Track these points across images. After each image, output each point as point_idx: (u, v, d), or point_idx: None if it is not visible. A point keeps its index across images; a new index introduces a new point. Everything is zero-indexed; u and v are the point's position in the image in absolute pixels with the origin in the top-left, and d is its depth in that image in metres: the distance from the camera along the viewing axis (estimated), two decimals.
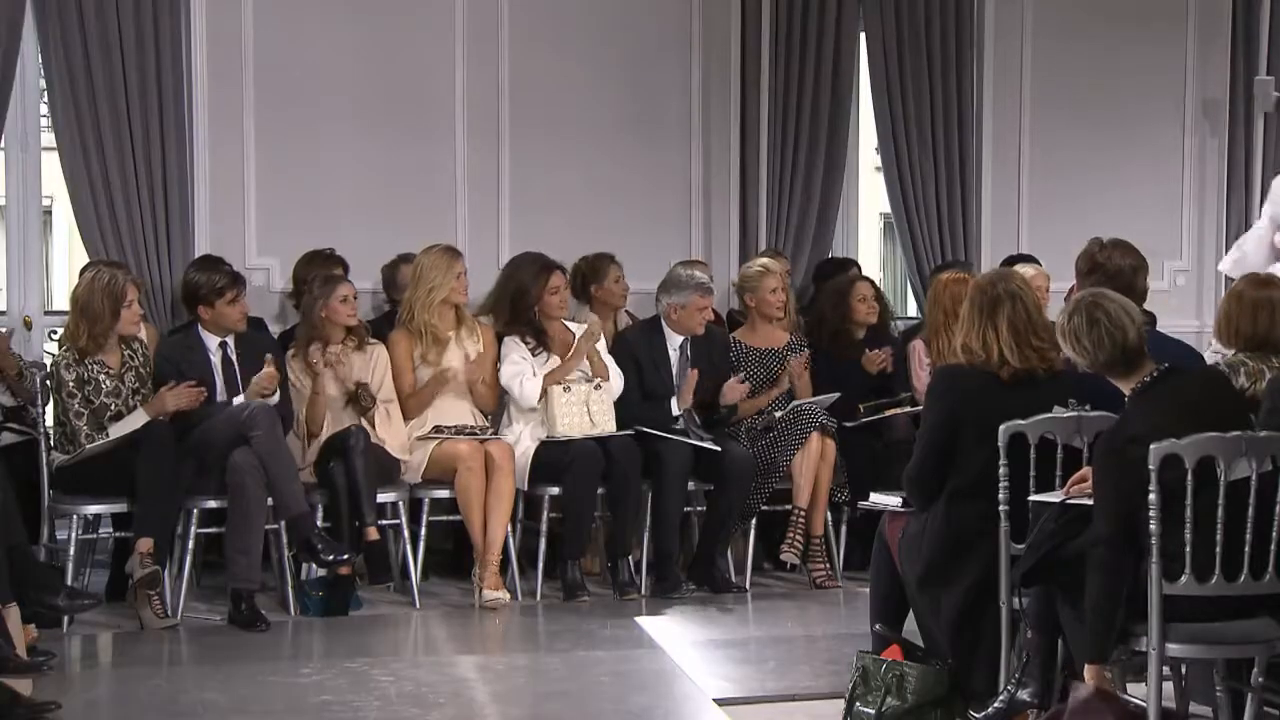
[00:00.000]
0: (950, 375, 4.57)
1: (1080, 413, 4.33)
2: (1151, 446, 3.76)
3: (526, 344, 6.58)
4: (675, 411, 6.57)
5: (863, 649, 4.54)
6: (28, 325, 7.15)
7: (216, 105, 7.22)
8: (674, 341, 6.73)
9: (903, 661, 4.35)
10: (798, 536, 6.53)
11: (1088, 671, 3.88)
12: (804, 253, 7.92)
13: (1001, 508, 4.30)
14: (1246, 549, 3.81)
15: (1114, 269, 4.83)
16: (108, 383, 5.98)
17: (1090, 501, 3.97)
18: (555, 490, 6.36)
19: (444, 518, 6.40)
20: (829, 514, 6.65)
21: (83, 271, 6.53)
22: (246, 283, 6.42)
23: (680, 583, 6.39)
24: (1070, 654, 4.10)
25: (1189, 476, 3.75)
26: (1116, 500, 3.82)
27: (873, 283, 7.38)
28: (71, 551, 5.85)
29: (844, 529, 6.73)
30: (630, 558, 6.49)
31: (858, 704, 4.36)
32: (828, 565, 6.62)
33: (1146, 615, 3.83)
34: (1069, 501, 4.08)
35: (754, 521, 6.63)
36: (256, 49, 7.24)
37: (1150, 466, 3.76)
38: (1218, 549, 3.79)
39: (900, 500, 4.66)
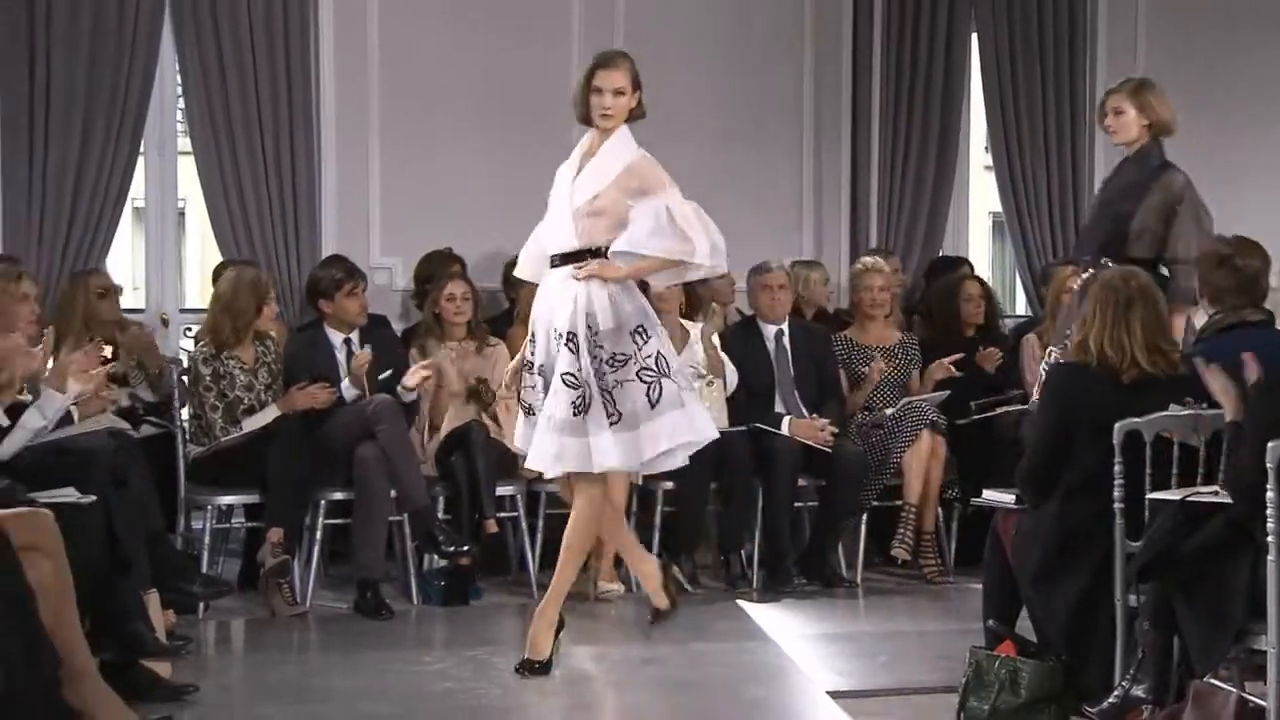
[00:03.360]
0: (1067, 374, 4.50)
1: (1197, 410, 4.25)
2: (1269, 444, 3.68)
3: None
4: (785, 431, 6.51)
5: (976, 644, 4.49)
6: (164, 322, 7.33)
7: (343, 112, 7.36)
8: (768, 333, 6.72)
9: (1016, 657, 4.30)
10: (908, 532, 6.49)
11: None
12: (914, 251, 7.86)
13: (1116, 505, 4.23)
14: None
15: (1244, 264, 4.73)
16: (242, 377, 6.11)
17: (1210, 499, 3.89)
18: (669, 485, 6.37)
19: (561, 511, 6.42)
20: (940, 510, 6.60)
21: (219, 269, 6.70)
22: (366, 278, 6.51)
23: (792, 577, 6.37)
24: (1187, 651, 4.02)
25: None
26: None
27: (981, 281, 7.31)
28: (206, 541, 5.99)
29: (954, 525, 6.67)
30: (742, 551, 6.49)
31: (971, 699, 4.31)
32: (939, 561, 6.57)
33: (1265, 613, 3.75)
34: (1189, 500, 4.00)
35: (865, 517, 6.59)
36: (381, 58, 7.37)
37: (1269, 465, 3.67)
38: None
39: (1014, 497, 4.61)
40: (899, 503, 6.54)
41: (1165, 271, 5.35)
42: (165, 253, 7.54)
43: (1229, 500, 3.87)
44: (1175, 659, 4.11)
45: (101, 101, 6.99)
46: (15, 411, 4.70)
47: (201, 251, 11.98)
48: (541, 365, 4.83)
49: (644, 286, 6.56)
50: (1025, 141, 7.97)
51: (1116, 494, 4.23)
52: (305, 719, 4.56)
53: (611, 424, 4.70)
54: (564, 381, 4.72)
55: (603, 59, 4.96)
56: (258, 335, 6.20)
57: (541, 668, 4.89)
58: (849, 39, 7.83)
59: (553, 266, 4.89)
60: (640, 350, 4.75)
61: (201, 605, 5.65)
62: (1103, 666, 4.32)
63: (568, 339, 4.74)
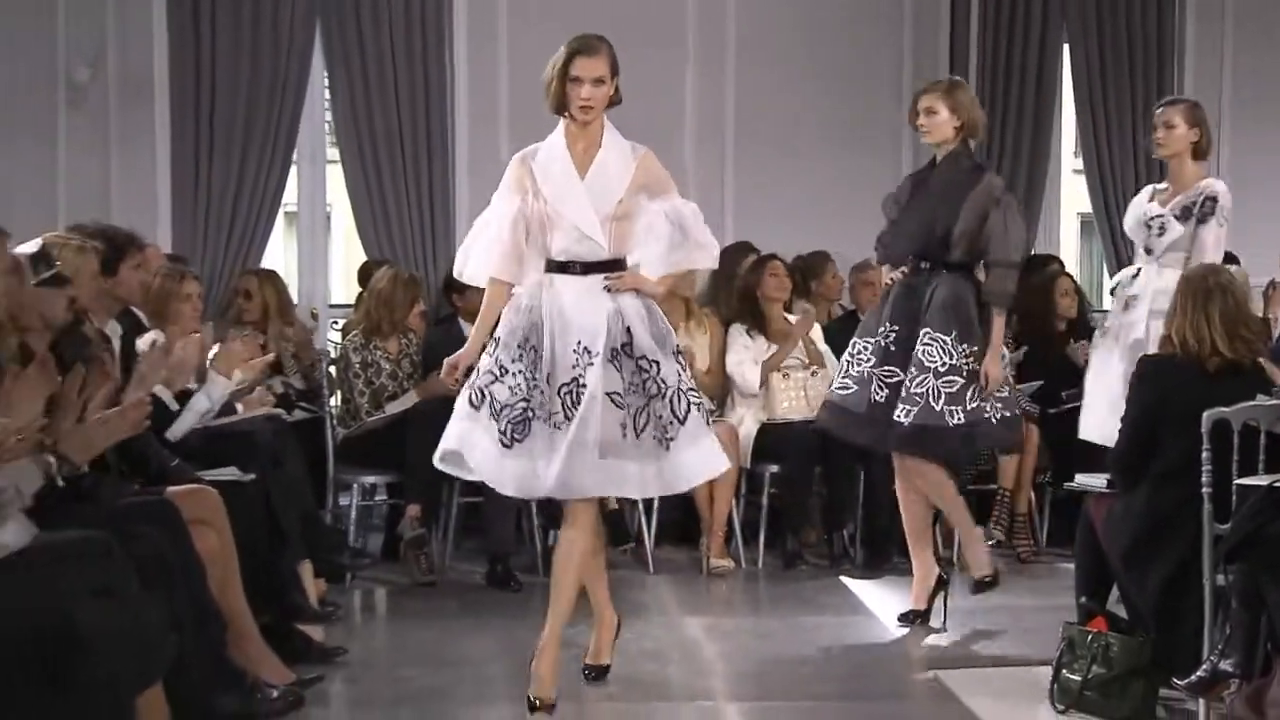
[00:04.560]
0: (1156, 365, 4.45)
1: None
2: None
3: (749, 334, 6.63)
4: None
5: (1068, 620, 4.45)
6: (315, 317, 7.51)
7: (475, 123, 7.50)
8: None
9: (1108, 633, 4.26)
10: (1003, 514, 6.47)
11: None
12: None
13: (1204, 490, 4.16)
14: None
15: None
16: (387, 366, 6.28)
17: None
18: (775, 468, 6.39)
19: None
20: (1033, 494, 6.55)
21: (364, 269, 6.86)
22: None
23: (892, 555, 6.35)
24: (1274, 628, 3.95)
25: None
26: None
27: (1071, 278, 7.24)
28: (353, 516, 6.15)
29: (1046, 508, 6.61)
30: (845, 531, 6.48)
31: (1064, 672, 4.28)
32: (1031, 541, 6.52)
33: None
34: (1276, 485, 3.92)
35: (961, 500, 6.53)
36: (510, 74, 7.48)
37: None
38: None
39: (1105, 481, 4.56)
40: (994, 486, 6.50)
41: (981, 275, 5.09)
42: (315, 254, 7.72)
43: None
44: (1262, 636, 4.04)
45: (259, 118, 7.21)
46: (183, 397, 4.84)
47: (345, 252, 12.21)
48: (551, 374, 4.09)
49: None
50: (1114, 146, 7.87)
51: (1205, 480, 4.16)
52: (442, 680, 4.64)
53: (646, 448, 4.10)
54: (613, 401, 4.04)
55: (582, 44, 4.21)
56: (402, 329, 6.35)
57: (546, 707, 4.19)
58: (946, 50, 7.78)
59: (570, 273, 4.17)
60: (681, 378, 4.16)
61: (349, 575, 5.78)
62: (1192, 644, 4.25)
63: (611, 355, 4.06)
